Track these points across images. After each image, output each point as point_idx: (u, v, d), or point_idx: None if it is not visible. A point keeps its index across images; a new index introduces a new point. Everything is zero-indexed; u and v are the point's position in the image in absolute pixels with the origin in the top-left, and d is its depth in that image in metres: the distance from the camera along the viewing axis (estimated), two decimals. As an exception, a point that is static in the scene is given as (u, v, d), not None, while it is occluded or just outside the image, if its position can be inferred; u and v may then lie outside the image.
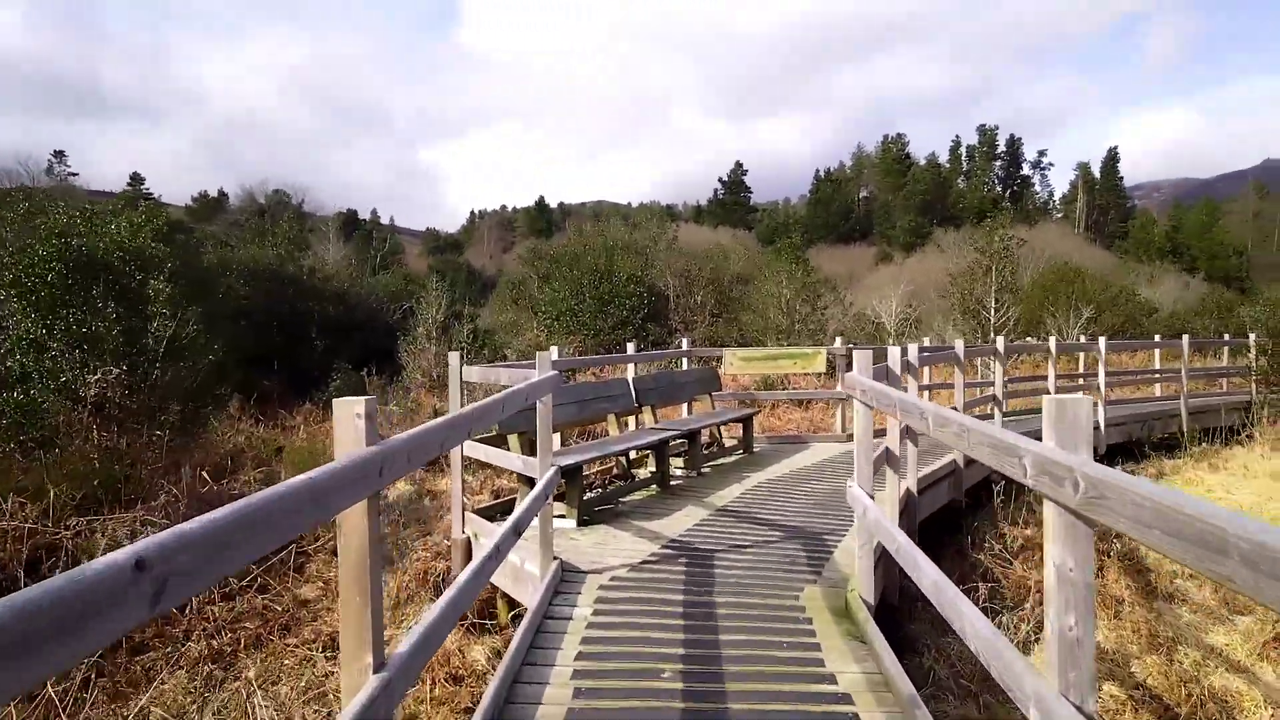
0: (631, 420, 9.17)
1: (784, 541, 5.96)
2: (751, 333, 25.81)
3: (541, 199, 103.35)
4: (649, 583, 4.96)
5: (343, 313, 28.84)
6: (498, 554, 3.74)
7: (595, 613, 4.44)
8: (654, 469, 8.02)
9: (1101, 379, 12.23)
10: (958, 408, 8.74)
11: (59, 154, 76.87)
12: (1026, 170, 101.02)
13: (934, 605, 3.12)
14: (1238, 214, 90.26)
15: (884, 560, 5.38)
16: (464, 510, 6.54)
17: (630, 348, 9.77)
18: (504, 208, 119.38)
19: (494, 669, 5.11)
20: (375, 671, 2.09)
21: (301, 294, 27.93)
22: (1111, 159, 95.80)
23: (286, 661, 5.98)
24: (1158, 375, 15.10)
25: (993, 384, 10.51)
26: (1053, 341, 11.51)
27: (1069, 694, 1.96)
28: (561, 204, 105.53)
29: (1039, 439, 2.08)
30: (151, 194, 75.80)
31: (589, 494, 7.49)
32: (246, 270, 26.77)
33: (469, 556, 6.51)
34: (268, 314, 26.12)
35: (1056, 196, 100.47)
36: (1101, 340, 12.54)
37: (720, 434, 9.86)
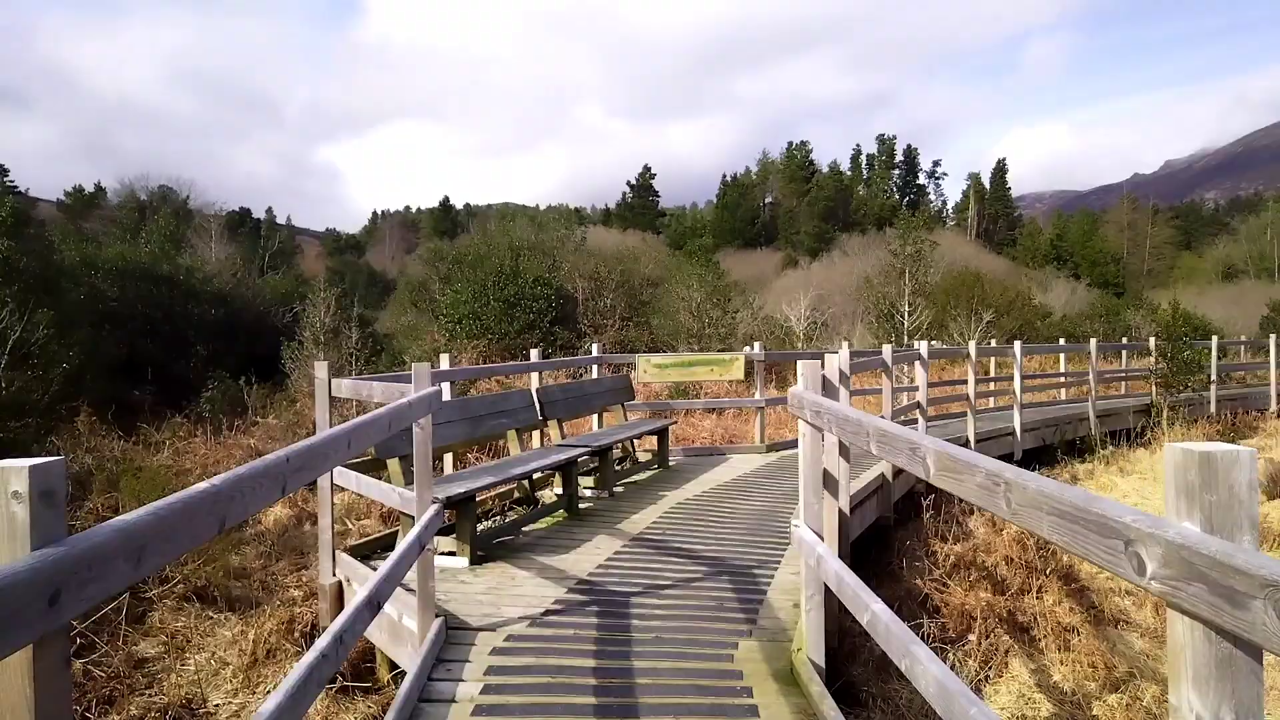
0: (536, 435, 8.26)
1: (709, 578, 5.18)
2: (662, 336, 25.17)
3: (446, 199, 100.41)
4: (553, 642, 4.09)
5: (225, 316, 26.72)
6: (370, 607, 2.86)
7: (484, 689, 3.55)
8: (560, 491, 7.15)
9: (1017, 383, 12.03)
10: (886, 416, 8.20)
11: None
12: (922, 179, 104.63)
13: (879, 645, 2.47)
14: (1113, 224, 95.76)
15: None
16: (333, 550, 5.51)
17: (534, 355, 8.86)
18: (408, 208, 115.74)
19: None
20: None
21: (178, 296, 25.72)
22: (1000, 170, 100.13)
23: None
24: (1069, 380, 15.18)
25: (916, 389, 10.08)
26: (972, 345, 11.21)
27: None
28: (467, 205, 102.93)
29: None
30: (16, 187, 69.69)
31: (485, 523, 6.55)
32: (115, 270, 24.42)
33: (340, 606, 5.49)
34: (140, 318, 23.88)
35: (949, 205, 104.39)
36: (1017, 344, 12.37)
37: (633, 447, 9.06)
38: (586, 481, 7.67)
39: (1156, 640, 6.08)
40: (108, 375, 19.57)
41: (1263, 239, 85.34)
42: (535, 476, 6.87)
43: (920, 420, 9.87)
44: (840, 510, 6.09)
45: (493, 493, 6.79)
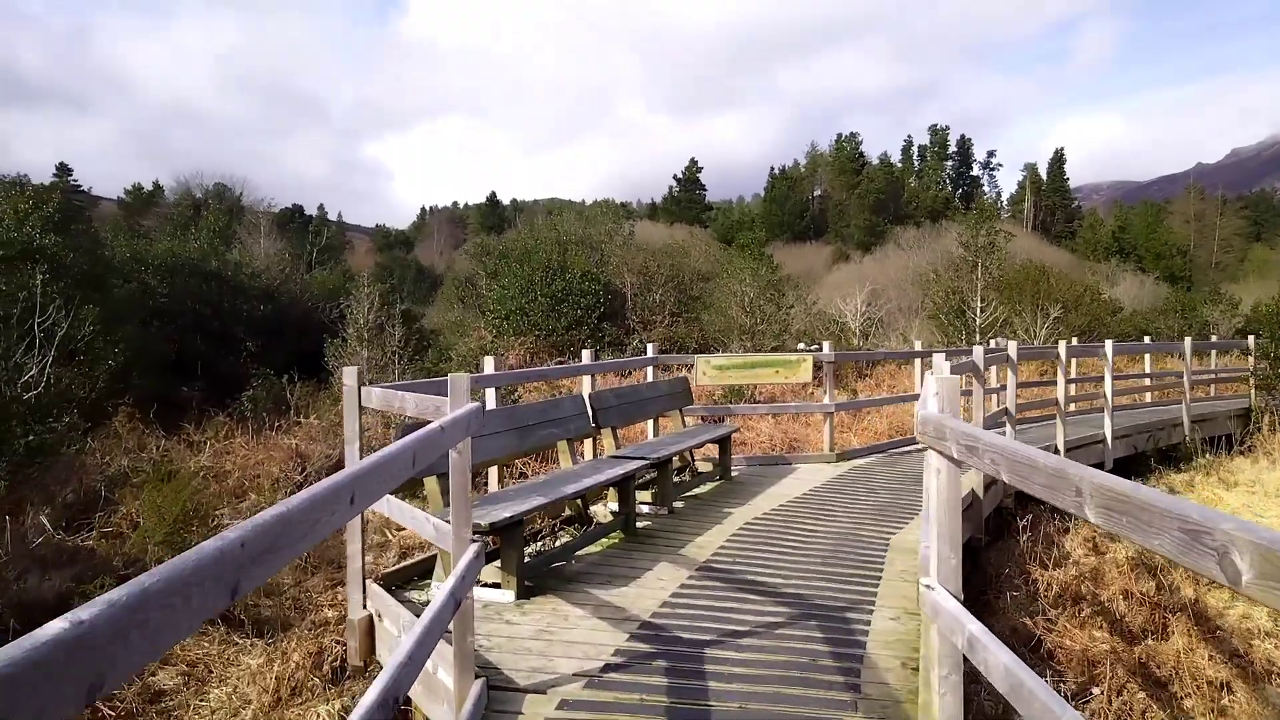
0: (588, 445, 7.57)
1: (793, 623, 4.42)
2: (713, 333, 24.34)
3: (493, 194, 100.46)
4: (615, 712, 3.39)
5: (273, 312, 26.56)
6: (385, 709, 2.18)
7: (535, 781, 2.85)
8: (616, 508, 6.45)
9: (1108, 386, 11.00)
10: (977, 425, 7.33)
11: (-26, 142, 71.98)
12: (976, 171, 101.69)
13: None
14: (1178, 215, 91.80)
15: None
16: (364, 580, 4.88)
17: (586, 356, 8.17)
18: (455, 204, 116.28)
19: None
20: None
21: (227, 292, 25.62)
22: (1058, 160, 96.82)
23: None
24: (1157, 381, 14.01)
25: (1003, 391, 9.16)
26: (1062, 346, 10.22)
27: None
28: (514, 200, 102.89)
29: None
30: (80, 186, 71.50)
31: (533, 545, 5.88)
32: (164, 265, 24.38)
33: (370, 643, 4.86)
34: (189, 313, 23.80)
35: (1004, 197, 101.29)
36: (1108, 343, 11.33)
37: (692, 456, 8.31)
38: (643, 496, 6.96)
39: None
40: (156, 371, 19.41)
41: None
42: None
43: (1008, 428, 8.96)
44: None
45: (542, 515, 6.11)
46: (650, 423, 8.55)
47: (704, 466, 8.43)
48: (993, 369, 8.75)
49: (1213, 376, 15.95)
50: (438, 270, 69.08)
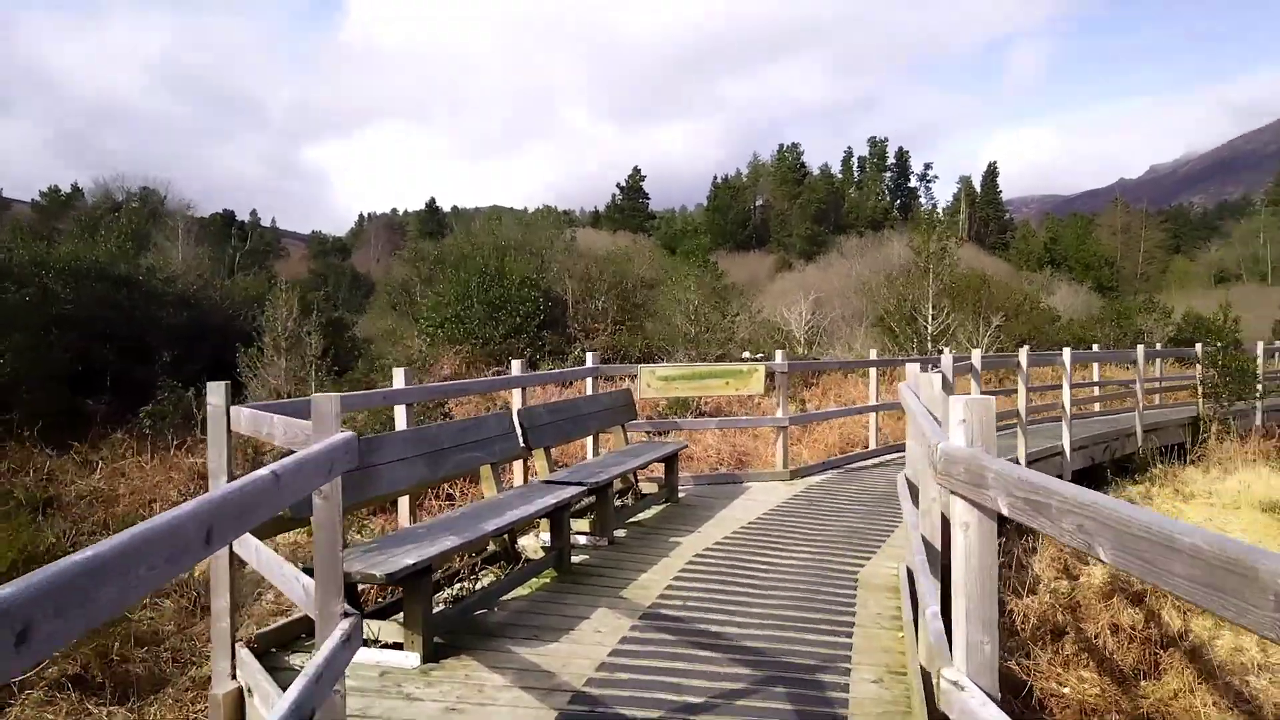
0: (518, 467, 6.73)
1: (758, 690, 3.67)
2: (657, 341, 23.65)
3: (432, 200, 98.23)
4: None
5: (191, 319, 24.96)
6: None
7: None
8: (548, 542, 5.63)
9: (1066, 396, 10.60)
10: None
11: None
12: (914, 183, 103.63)
13: None
14: (1105, 227, 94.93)
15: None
16: (232, 643, 3.96)
17: (516, 367, 7.31)
18: (394, 211, 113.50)
19: None
20: None
21: (139, 298, 23.94)
22: (991, 173, 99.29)
23: None
24: (1116, 390, 13.77)
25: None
26: (1023, 354, 9.76)
27: None
28: (454, 207, 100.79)
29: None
30: (-12, 187, 67.33)
31: (449, 590, 5.02)
32: (68, 270, 22.62)
33: (239, 723, 3.94)
34: (96, 321, 22.10)
35: (940, 209, 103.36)
36: (1066, 351, 10.94)
37: (635, 477, 7.53)
38: (580, 525, 6.15)
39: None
40: (53, 383, 17.84)
41: (1255, 242, 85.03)
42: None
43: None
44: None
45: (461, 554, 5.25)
46: (590, 440, 7.75)
47: (648, 488, 7.65)
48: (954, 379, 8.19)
49: (1158, 385, 15.85)
50: (374, 278, 67.14)
